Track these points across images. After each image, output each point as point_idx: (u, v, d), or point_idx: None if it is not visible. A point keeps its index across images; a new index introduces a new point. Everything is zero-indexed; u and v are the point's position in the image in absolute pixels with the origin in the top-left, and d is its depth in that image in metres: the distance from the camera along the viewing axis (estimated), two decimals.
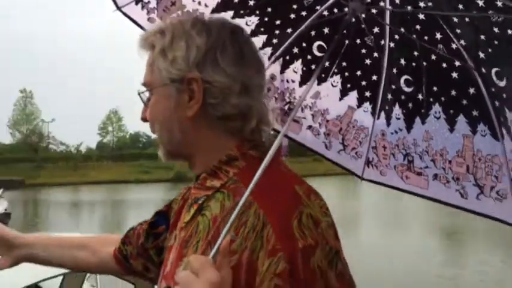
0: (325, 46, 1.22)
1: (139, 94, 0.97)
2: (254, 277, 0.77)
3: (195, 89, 0.88)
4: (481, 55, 1.01)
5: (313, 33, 1.23)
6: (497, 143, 1.06)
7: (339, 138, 1.32)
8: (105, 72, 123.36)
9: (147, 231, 1.15)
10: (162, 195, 32.82)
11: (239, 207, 0.80)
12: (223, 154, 0.91)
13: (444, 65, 1.09)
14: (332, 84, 1.28)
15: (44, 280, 3.22)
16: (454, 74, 1.08)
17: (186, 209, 0.97)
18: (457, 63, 1.07)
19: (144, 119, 0.97)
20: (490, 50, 0.99)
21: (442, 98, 1.13)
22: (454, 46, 1.05)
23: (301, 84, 1.28)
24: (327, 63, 1.21)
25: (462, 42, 1.04)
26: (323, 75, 1.26)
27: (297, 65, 1.27)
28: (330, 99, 1.30)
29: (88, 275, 4.80)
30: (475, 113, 1.08)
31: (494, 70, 1.01)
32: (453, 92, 1.10)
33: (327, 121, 1.32)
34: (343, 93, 1.29)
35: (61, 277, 3.82)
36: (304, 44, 1.24)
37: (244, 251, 0.79)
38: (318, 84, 1.27)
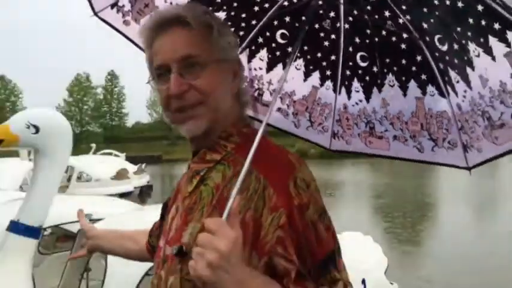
0: (287, 33, 1.37)
1: (182, 63, 1.02)
2: (259, 231, 0.92)
3: (238, 69, 1.10)
4: (425, 26, 1.16)
5: (275, 22, 1.35)
6: (444, 100, 1.23)
7: (306, 116, 1.47)
8: None
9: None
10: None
11: (243, 172, 0.93)
12: (222, 130, 1.07)
13: (394, 38, 1.24)
14: (296, 68, 1.41)
15: None
16: (403, 46, 1.24)
17: (187, 181, 1.09)
18: (405, 36, 1.22)
19: (181, 94, 1.01)
20: (432, 21, 1.13)
21: (394, 68, 1.28)
22: (401, 21, 1.20)
23: (268, 70, 1.42)
24: (289, 49, 1.37)
25: (408, 17, 1.19)
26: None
27: (263, 53, 1.40)
28: (295, 82, 1.43)
29: None
30: (423, 77, 1.24)
31: (436, 37, 1.15)
32: (403, 61, 1.26)
33: (294, 102, 1.46)
34: (307, 74, 1.42)
35: None
36: (268, 33, 1.37)
37: (249, 210, 0.94)
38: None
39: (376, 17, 1.25)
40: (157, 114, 68.59)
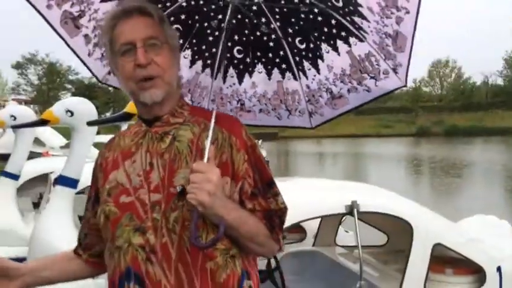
0: (180, 28, 1.66)
1: (147, 42, 1.30)
2: (233, 166, 1.32)
3: (179, 58, 1.45)
4: (290, 30, 1.60)
5: (172, 19, 1.60)
6: (297, 82, 1.69)
7: (188, 96, 1.76)
8: None
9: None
10: (402, 150, 31.75)
11: (211, 129, 1.30)
12: (176, 102, 1.40)
13: (265, 38, 1.65)
14: (184, 57, 1.69)
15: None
16: (271, 43, 1.65)
17: (153, 140, 1.34)
18: (273, 36, 1.63)
19: (147, 63, 1.28)
20: (296, 27, 1.59)
21: (263, 59, 1.70)
22: (272, 26, 1.60)
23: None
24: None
25: (278, 23, 1.60)
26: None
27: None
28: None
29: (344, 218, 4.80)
30: (283, 66, 1.68)
31: (298, 39, 1.61)
32: (270, 55, 1.68)
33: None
34: (192, 62, 1.73)
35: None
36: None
37: (223, 154, 1.32)
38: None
39: (254, 21, 1.60)
40: None
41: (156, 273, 1.25)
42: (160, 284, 1.24)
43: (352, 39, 1.54)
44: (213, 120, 1.32)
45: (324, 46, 1.59)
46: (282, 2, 1.56)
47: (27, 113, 5.45)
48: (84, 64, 1.57)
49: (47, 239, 3.53)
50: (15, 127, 5.07)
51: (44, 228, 3.68)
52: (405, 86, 1.58)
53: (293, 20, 1.58)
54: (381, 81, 1.58)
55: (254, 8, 1.58)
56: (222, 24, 1.58)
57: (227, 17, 1.53)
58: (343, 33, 1.54)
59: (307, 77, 1.67)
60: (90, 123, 3.83)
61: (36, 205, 6.35)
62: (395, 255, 3.89)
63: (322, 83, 1.66)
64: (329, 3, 1.48)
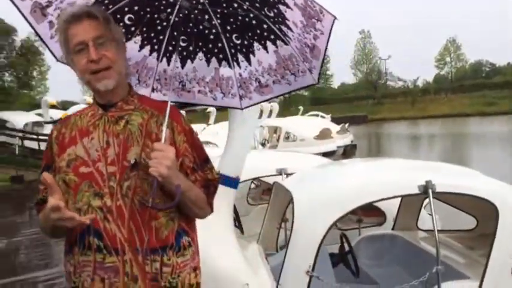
0: (133, 17, 1.92)
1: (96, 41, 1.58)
2: (175, 145, 1.63)
3: (125, 53, 1.73)
4: (228, 28, 1.91)
5: (126, 9, 1.91)
6: (231, 70, 1.98)
7: (135, 76, 2.04)
8: None
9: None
10: (507, 128, 29.00)
11: (167, 116, 1.63)
12: (127, 90, 1.70)
13: (206, 31, 1.94)
14: (134, 42, 1.96)
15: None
16: (211, 36, 1.94)
17: (109, 123, 1.63)
18: (214, 31, 1.92)
19: (98, 58, 1.56)
20: (234, 26, 1.90)
21: (204, 49, 1.99)
22: (213, 22, 1.90)
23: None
24: (132, 28, 1.95)
25: (219, 21, 1.90)
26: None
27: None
28: (133, 52, 1.95)
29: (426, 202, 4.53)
30: (220, 56, 1.97)
31: (234, 35, 1.92)
32: (210, 45, 1.97)
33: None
34: (141, 47, 1.99)
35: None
36: (118, 16, 1.90)
37: (169, 137, 1.63)
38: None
39: (199, 17, 1.90)
40: (361, 73, 67.71)
41: (112, 229, 1.54)
42: (115, 237, 1.54)
43: (279, 42, 1.90)
44: (168, 110, 1.64)
45: (256, 44, 1.93)
46: (224, 5, 1.87)
47: None
48: (46, 45, 1.82)
49: None
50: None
51: None
52: (317, 83, 1.97)
53: (232, 20, 1.90)
54: (299, 77, 1.93)
55: (199, 7, 1.89)
56: (170, 17, 1.90)
57: (175, 12, 1.87)
58: (272, 36, 1.89)
59: (240, 67, 1.98)
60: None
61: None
62: (484, 240, 3.58)
63: (252, 73, 1.97)
64: (263, 12, 1.84)
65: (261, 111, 21.39)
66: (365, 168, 3.35)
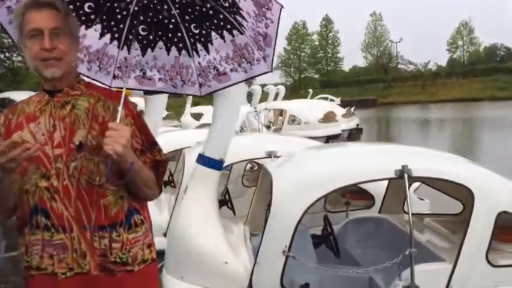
0: (93, 5, 1.98)
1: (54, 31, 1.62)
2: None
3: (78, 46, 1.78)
4: (187, 17, 1.98)
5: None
6: (190, 58, 2.06)
7: (96, 63, 2.11)
8: None
9: None
10: None
11: (122, 102, 1.70)
12: (73, 78, 1.75)
13: (166, 21, 2.01)
14: (95, 30, 2.04)
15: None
16: (171, 26, 2.01)
17: (55, 108, 1.68)
18: (173, 20, 2.00)
19: (52, 48, 1.60)
20: (192, 16, 1.98)
21: (164, 38, 2.05)
22: (172, 12, 1.97)
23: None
24: (92, 16, 2.01)
25: (178, 11, 1.97)
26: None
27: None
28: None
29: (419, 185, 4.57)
30: (180, 45, 2.04)
31: (193, 25, 2.00)
32: (169, 35, 2.04)
33: (90, 53, 2.07)
34: (101, 35, 2.05)
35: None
36: (78, 3, 1.97)
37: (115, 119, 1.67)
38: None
39: (158, 7, 1.96)
40: (372, 56, 66.95)
41: (58, 208, 1.61)
42: (62, 215, 1.61)
43: (235, 32, 1.98)
44: (123, 93, 1.73)
45: (213, 34, 2.00)
46: None
47: None
48: (5, 30, 1.88)
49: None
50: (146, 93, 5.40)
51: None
52: (271, 71, 2.02)
53: (190, 10, 1.97)
54: (255, 65, 2.01)
55: None
56: (130, 6, 1.96)
57: (134, 1, 1.92)
58: (228, 26, 1.97)
59: (199, 56, 2.05)
60: (145, 93, 3.76)
61: (166, 183, 5.92)
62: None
63: (211, 62, 2.05)
64: (218, 2, 1.92)
65: (267, 94, 21.43)
66: (345, 152, 3.40)
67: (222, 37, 1.99)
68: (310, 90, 35.08)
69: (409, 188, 4.13)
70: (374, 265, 3.00)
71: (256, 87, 19.50)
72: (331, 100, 30.76)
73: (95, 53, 2.08)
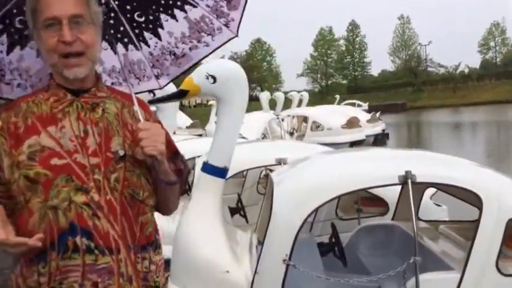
0: (23, 19, 1.58)
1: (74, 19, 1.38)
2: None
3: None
4: (128, 7, 1.78)
5: (14, 11, 1.59)
6: (139, 52, 1.84)
7: None
8: None
9: None
10: None
11: (138, 107, 1.54)
12: (96, 76, 1.54)
13: (105, 17, 1.66)
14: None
15: None
16: (112, 21, 1.76)
17: (84, 110, 1.45)
18: (113, 15, 1.77)
19: (73, 41, 1.37)
20: (134, 4, 1.77)
21: (106, 36, 1.73)
22: (111, 6, 1.75)
23: (8, 52, 1.66)
24: (25, 33, 1.64)
25: (116, 2, 1.76)
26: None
27: (3, 38, 1.65)
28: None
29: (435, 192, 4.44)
30: (125, 40, 1.82)
31: (136, 14, 1.79)
32: (112, 32, 1.78)
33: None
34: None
35: None
36: (7, 21, 1.61)
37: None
38: (21, 50, 1.71)
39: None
40: (400, 60, 65.90)
41: (103, 226, 1.36)
42: (108, 234, 1.36)
43: (187, 7, 1.79)
44: (133, 96, 1.58)
45: (162, 16, 1.80)
46: None
47: None
48: None
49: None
50: (151, 102, 5.41)
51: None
52: (237, 36, 1.85)
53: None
54: (216, 36, 1.84)
55: None
56: None
57: None
58: (178, 3, 1.78)
59: (149, 46, 1.84)
60: (150, 102, 3.71)
61: (183, 192, 6.09)
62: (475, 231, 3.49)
63: (164, 48, 1.85)
64: None
65: (290, 101, 21.36)
66: (348, 158, 3.33)
67: (174, 17, 1.79)
68: (337, 96, 34.82)
69: (423, 193, 4.05)
70: (386, 273, 2.92)
71: (279, 94, 19.54)
72: (359, 105, 30.44)
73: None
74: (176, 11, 1.79)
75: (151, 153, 1.38)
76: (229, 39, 1.87)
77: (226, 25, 1.82)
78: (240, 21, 1.82)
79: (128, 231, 1.40)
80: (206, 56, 1.90)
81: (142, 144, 1.38)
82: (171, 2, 1.78)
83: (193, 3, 1.78)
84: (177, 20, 1.79)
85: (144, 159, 1.44)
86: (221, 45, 1.87)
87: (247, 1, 1.78)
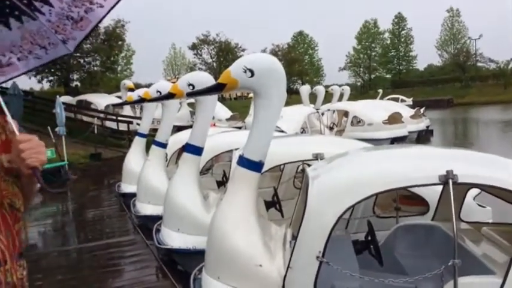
0: None
1: None
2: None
3: None
4: None
5: None
6: (36, 21, 1.81)
7: None
8: None
9: None
10: None
11: (10, 118, 1.52)
12: None
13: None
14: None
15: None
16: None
17: None
18: None
19: None
20: None
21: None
22: None
23: None
24: None
25: None
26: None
27: None
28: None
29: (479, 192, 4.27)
30: (16, 13, 1.78)
31: None
32: (6, 10, 1.77)
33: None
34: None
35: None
36: None
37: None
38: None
39: None
40: (448, 54, 63.54)
41: None
42: None
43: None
44: (2, 102, 1.57)
45: None
46: None
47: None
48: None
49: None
50: (151, 100, 5.76)
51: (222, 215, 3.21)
52: (73, 52, 1.95)
53: None
54: (50, 50, 1.89)
55: None
56: None
57: None
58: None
59: (43, 14, 1.82)
60: (188, 94, 3.80)
61: (220, 184, 6.23)
62: None
63: (60, 14, 1.83)
64: None
65: (332, 95, 21.06)
66: (387, 155, 3.23)
67: None
68: (380, 91, 34.01)
69: (466, 194, 3.90)
70: (423, 275, 2.84)
71: (320, 87, 19.29)
72: (402, 100, 29.60)
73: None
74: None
75: (34, 165, 1.40)
76: (65, 55, 1.95)
77: (64, 41, 1.86)
78: (81, 42, 1.90)
79: (11, 241, 1.46)
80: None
81: (24, 156, 1.40)
82: None
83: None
84: None
85: (15, 168, 1.46)
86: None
87: (97, 25, 1.87)
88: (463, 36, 62.90)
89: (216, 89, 3.31)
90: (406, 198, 4.49)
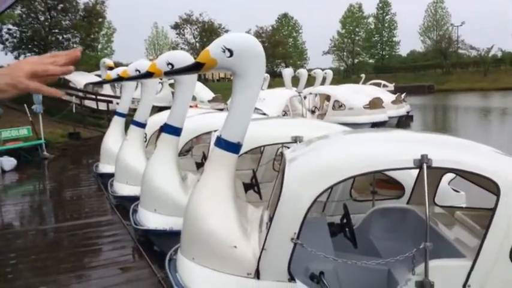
0: None
1: None
2: None
3: None
4: None
5: None
6: None
7: None
8: None
9: None
10: None
11: None
12: None
13: None
14: None
15: None
16: None
17: None
18: None
19: None
20: None
21: None
22: None
23: None
24: None
25: None
26: None
27: None
28: None
29: (454, 177, 4.33)
30: None
31: None
32: None
33: None
34: None
35: None
36: None
37: None
38: None
39: None
40: (430, 41, 63.97)
41: None
42: None
43: None
44: None
45: None
46: None
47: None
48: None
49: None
50: (129, 79, 5.66)
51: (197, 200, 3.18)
52: None
53: None
54: None
55: None
56: None
57: None
58: None
59: None
60: (165, 73, 3.52)
61: (199, 166, 6.20)
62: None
63: None
64: None
65: (314, 78, 21.06)
66: (363, 139, 3.23)
67: None
68: (363, 75, 34.18)
69: (441, 178, 3.96)
70: (395, 257, 2.88)
71: (303, 71, 19.24)
72: (384, 86, 29.79)
73: None
74: None
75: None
76: None
77: None
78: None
79: None
80: None
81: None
82: None
83: None
84: None
85: None
86: None
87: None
88: (446, 22, 63.39)
89: (195, 68, 3.21)
90: (382, 182, 4.55)
